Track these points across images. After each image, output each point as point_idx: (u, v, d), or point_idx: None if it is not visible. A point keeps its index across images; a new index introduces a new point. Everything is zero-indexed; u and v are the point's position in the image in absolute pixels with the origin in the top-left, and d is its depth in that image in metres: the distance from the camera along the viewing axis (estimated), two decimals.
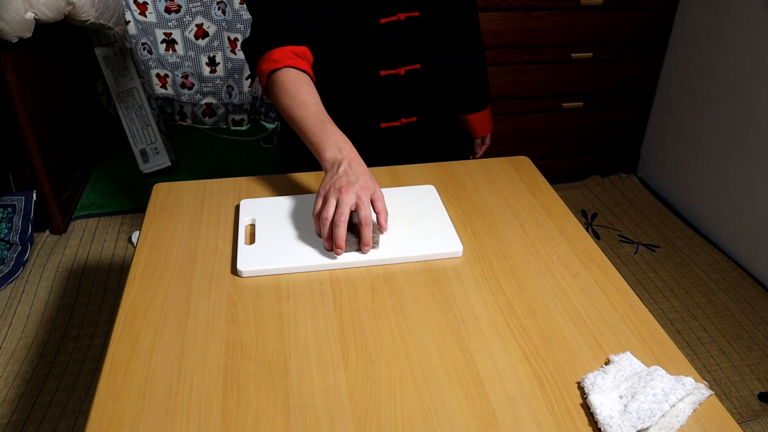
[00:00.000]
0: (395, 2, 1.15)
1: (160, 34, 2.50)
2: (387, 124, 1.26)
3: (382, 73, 1.20)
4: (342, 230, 0.86)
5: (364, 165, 0.93)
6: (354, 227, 0.90)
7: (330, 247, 0.88)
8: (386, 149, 1.27)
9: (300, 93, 1.02)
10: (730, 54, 2.02)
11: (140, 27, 2.46)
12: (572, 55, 2.24)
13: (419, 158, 1.21)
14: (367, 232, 0.87)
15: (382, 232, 0.92)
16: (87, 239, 2.10)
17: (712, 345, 1.72)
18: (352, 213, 0.90)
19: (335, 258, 0.88)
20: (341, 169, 0.90)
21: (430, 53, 1.24)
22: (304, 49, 1.09)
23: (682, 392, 0.67)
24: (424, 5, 1.18)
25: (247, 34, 2.52)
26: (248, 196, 1.04)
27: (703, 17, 2.13)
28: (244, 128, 2.78)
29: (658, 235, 2.20)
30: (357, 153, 0.94)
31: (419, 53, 1.22)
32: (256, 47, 1.08)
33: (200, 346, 0.75)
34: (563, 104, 2.34)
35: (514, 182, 1.10)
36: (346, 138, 0.96)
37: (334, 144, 0.94)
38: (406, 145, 1.29)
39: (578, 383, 0.71)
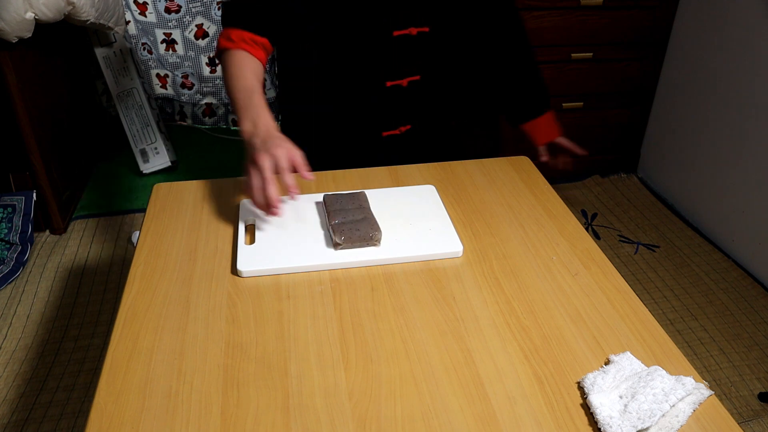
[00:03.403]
0: (408, 17, 1.16)
1: (160, 34, 2.50)
2: (388, 133, 1.27)
3: (388, 83, 1.21)
4: (272, 189, 0.87)
5: (280, 137, 0.92)
6: (354, 223, 0.91)
7: (267, 211, 0.89)
8: (386, 157, 1.27)
9: (238, 70, 1.04)
10: (730, 54, 2.02)
11: (140, 27, 2.46)
12: (572, 55, 2.24)
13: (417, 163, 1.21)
14: (288, 179, 0.88)
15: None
16: (87, 239, 2.10)
17: (712, 345, 1.72)
18: (350, 210, 0.91)
19: (335, 258, 0.88)
20: (257, 142, 0.91)
21: (435, 66, 1.25)
22: (263, 40, 1.10)
23: (682, 392, 0.67)
24: (435, 22, 1.19)
25: None
26: (248, 197, 1.04)
27: (703, 17, 2.13)
28: None
29: (658, 235, 2.20)
30: (273, 127, 0.94)
31: (423, 66, 1.23)
32: (224, 17, 1.12)
33: (200, 346, 0.75)
34: (563, 104, 2.34)
35: (514, 182, 1.10)
36: (265, 112, 0.96)
37: (251, 119, 0.95)
38: (404, 153, 1.29)
39: (578, 383, 0.71)
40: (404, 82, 1.22)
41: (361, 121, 1.25)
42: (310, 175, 0.89)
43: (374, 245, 0.90)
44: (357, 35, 1.16)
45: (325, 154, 1.18)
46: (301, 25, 1.11)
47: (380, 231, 0.91)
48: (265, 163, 0.87)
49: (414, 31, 1.17)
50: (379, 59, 1.19)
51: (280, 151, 0.88)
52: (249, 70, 1.04)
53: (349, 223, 0.91)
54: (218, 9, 2.47)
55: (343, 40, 1.16)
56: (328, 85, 1.21)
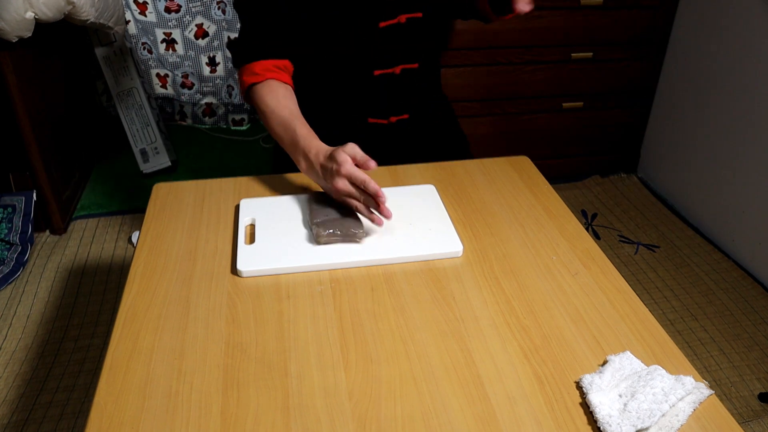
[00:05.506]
0: (397, 5, 1.14)
1: (160, 34, 2.50)
2: (374, 120, 1.25)
3: (376, 72, 1.20)
4: (370, 206, 0.92)
5: (332, 156, 0.95)
6: (343, 219, 0.91)
7: (378, 219, 0.93)
8: (373, 145, 1.26)
9: (273, 104, 1.07)
10: (730, 54, 2.02)
11: (140, 27, 2.46)
12: (572, 55, 2.24)
13: (408, 156, 1.20)
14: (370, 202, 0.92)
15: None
16: (87, 239, 2.10)
17: (712, 345, 1.72)
18: (335, 208, 0.94)
19: (335, 258, 0.88)
20: (319, 175, 0.97)
21: (429, 52, 1.24)
22: (285, 62, 1.12)
23: (682, 392, 0.67)
24: (428, 6, 1.17)
25: None
26: (248, 196, 1.04)
27: (703, 17, 2.13)
28: (244, 128, 2.78)
29: (658, 235, 2.20)
30: (323, 152, 0.97)
31: (418, 52, 1.21)
32: (240, 55, 1.13)
33: (200, 346, 0.75)
34: (563, 104, 2.34)
35: (514, 182, 1.10)
36: (309, 141, 0.99)
37: (302, 156, 1.00)
38: (394, 142, 1.28)
39: (577, 383, 0.71)
40: (397, 70, 1.20)
41: (346, 106, 1.24)
42: (373, 164, 0.91)
43: (356, 242, 0.90)
44: (341, 27, 1.15)
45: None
46: (285, 41, 1.11)
47: (363, 227, 0.91)
48: (346, 188, 0.92)
49: (404, 18, 1.15)
50: (364, 50, 1.17)
51: (343, 170, 0.91)
52: (282, 97, 1.07)
53: (331, 221, 0.91)
54: (218, 9, 2.47)
55: (328, 33, 1.15)
56: (314, 74, 1.20)
